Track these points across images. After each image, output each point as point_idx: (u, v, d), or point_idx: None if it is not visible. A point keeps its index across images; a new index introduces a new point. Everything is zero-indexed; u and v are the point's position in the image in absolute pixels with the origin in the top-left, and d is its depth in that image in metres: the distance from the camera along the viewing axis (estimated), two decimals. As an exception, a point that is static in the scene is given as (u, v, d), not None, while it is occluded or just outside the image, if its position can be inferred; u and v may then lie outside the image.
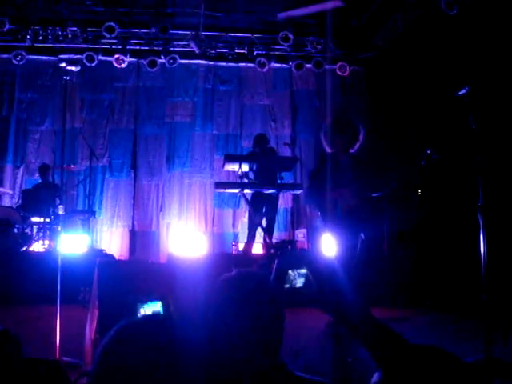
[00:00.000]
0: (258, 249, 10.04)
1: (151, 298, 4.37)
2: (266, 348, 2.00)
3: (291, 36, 11.95)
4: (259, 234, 9.78)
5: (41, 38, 11.82)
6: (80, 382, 4.76)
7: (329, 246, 8.51)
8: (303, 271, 2.13)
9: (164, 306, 4.36)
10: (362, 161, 6.32)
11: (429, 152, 6.02)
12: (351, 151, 6.21)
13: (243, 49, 12.26)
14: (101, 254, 9.25)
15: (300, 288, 2.49)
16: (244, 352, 1.98)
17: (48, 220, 9.45)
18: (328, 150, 6.10)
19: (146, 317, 1.69)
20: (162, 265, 8.10)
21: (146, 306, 4.36)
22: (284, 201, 11.67)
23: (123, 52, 11.94)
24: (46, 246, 9.24)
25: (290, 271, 2.32)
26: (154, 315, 1.70)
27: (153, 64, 12.05)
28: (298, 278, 2.48)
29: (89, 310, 5.60)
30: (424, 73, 9.74)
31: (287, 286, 2.32)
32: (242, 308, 2.01)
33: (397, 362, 1.60)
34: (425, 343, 1.66)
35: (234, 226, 11.95)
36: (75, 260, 7.79)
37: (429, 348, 1.62)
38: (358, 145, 6.18)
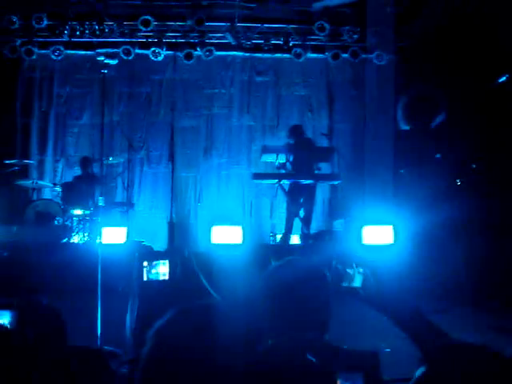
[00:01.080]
0: (295, 239, 10.02)
1: (159, 258, 4.36)
2: (313, 331, 2.02)
3: (327, 26, 11.88)
4: (297, 224, 9.76)
5: (78, 33, 11.94)
6: (121, 371, 4.82)
7: (369, 237, 8.48)
8: (361, 270, 2.13)
9: (171, 265, 4.35)
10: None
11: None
12: (432, 126, 5.78)
13: (279, 39, 12.21)
14: (139, 245, 9.32)
15: (357, 287, 2.49)
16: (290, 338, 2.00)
17: (88, 212, 9.57)
18: (404, 126, 5.68)
19: (197, 303, 1.70)
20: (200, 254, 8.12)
21: (155, 266, 4.35)
22: (322, 191, 11.62)
23: (159, 45, 12.00)
24: (86, 238, 9.36)
25: (348, 269, 2.31)
26: (205, 302, 1.71)
27: (189, 56, 12.07)
28: (356, 277, 2.47)
29: (129, 301, 5.66)
30: (462, 61, 9.61)
31: (345, 284, 2.31)
32: (291, 293, 2.02)
33: (442, 359, 1.59)
34: (474, 342, 1.65)
35: (271, 216, 11.94)
36: (114, 251, 7.85)
37: (474, 346, 1.61)
38: (439, 119, 5.78)
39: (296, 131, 9.89)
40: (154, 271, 4.35)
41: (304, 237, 9.65)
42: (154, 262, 4.34)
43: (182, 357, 1.53)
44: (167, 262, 4.33)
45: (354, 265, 2.13)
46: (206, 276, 4.45)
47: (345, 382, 1.89)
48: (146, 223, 11.88)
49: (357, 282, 2.25)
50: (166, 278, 4.30)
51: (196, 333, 1.56)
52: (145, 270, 4.35)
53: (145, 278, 4.38)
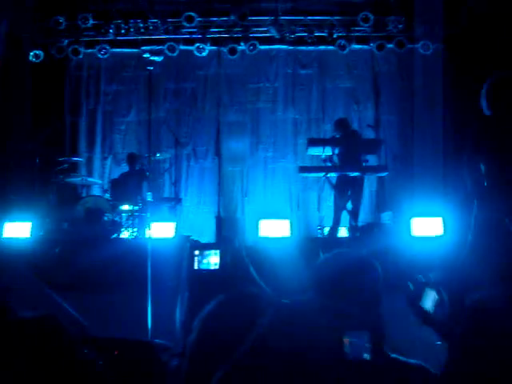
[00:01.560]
0: (343, 232, 9.95)
1: (210, 247, 4.37)
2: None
3: (371, 16, 11.74)
4: (344, 217, 9.69)
5: (123, 31, 12.10)
6: (171, 363, 4.86)
7: (418, 229, 8.38)
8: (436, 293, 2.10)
9: (222, 255, 4.35)
10: None
11: None
12: None
13: (323, 32, 12.10)
14: (188, 240, 9.37)
15: (428, 311, 2.46)
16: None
17: (136, 208, 9.67)
18: (488, 112, 5.32)
19: (242, 293, 1.70)
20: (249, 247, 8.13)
21: (207, 255, 4.36)
22: (369, 183, 11.52)
23: (203, 41, 12.06)
24: (135, 233, 9.45)
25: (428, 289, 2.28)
26: (250, 292, 1.71)
27: (233, 51, 12.09)
28: (428, 297, 2.43)
29: (178, 294, 5.70)
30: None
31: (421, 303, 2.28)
32: (341, 286, 2.01)
33: None
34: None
35: (318, 209, 11.87)
36: (163, 246, 7.91)
37: None
38: None
39: (342, 124, 9.81)
40: (205, 261, 4.37)
41: (352, 229, 9.58)
42: (206, 252, 4.36)
43: (225, 344, 1.54)
44: (218, 251, 4.34)
45: (431, 285, 2.10)
46: (255, 267, 4.44)
47: (352, 339, 1.85)
48: (194, 218, 11.98)
49: (427, 303, 2.22)
50: (217, 267, 4.32)
51: (240, 321, 1.57)
52: (196, 258, 4.37)
53: (195, 267, 4.40)
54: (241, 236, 10.91)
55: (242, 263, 4.36)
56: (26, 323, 2.02)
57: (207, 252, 4.34)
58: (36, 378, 1.83)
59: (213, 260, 4.35)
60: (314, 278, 2.11)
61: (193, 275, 4.44)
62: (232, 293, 1.72)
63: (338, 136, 9.68)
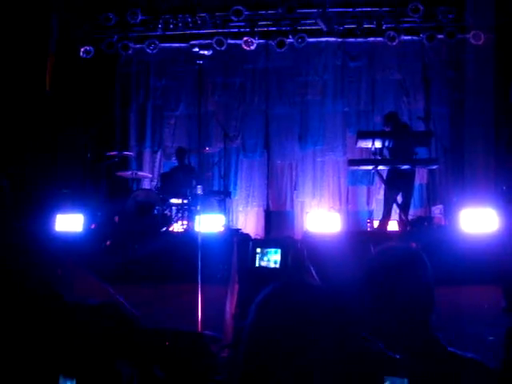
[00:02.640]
0: (393, 226, 9.85)
1: (272, 246, 4.36)
2: (415, 320, 1.97)
3: (421, 7, 11.54)
4: (394, 211, 9.59)
5: (172, 26, 12.20)
6: (222, 355, 4.88)
7: (470, 222, 8.26)
8: None
9: (283, 255, 4.34)
10: None
11: None
12: None
13: (372, 23, 11.95)
14: (237, 233, 9.42)
15: None
16: (394, 324, 1.96)
17: (186, 201, 9.74)
18: None
19: (298, 281, 1.70)
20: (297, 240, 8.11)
21: (267, 253, 4.36)
22: (419, 176, 11.37)
23: (251, 34, 12.05)
24: (185, 227, 9.52)
25: None
26: (306, 281, 1.71)
27: (281, 44, 12.04)
28: None
29: (228, 286, 5.72)
30: None
31: None
32: (395, 278, 1.99)
33: None
34: None
35: (368, 203, 11.79)
36: (213, 239, 7.95)
37: None
38: None
39: (392, 118, 9.70)
40: (265, 258, 4.39)
41: (402, 223, 9.49)
42: (267, 250, 4.38)
43: (281, 329, 1.54)
44: (279, 250, 4.35)
45: None
46: (314, 266, 4.43)
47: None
48: (243, 211, 12.02)
49: None
50: (277, 266, 4.32)
51: (295, 308, 1.57)
52: (257, 256, 4.39)
53: (256, 264, 4.42)
54: (289, 233, 10.89)
55: (302, 264, 4.36)
56: (91, 309, 2.06)
57: (268, 250, 4.35)
58: (99, 362, 1.86)
59: (274, 258, 4.36)
60: (365, 272, 2.10)
61: (253, 271, 4.44)
62: (290, 280, 1.71)
63: (387, 129, 9.58)
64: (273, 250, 4.36)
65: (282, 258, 4.33)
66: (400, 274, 2.01)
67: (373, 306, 2.00)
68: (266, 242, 4.43)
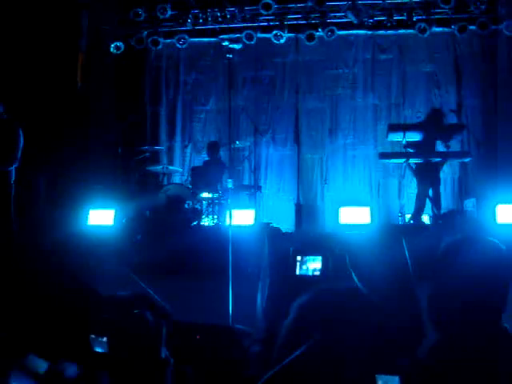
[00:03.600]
0: (425, 219, 9.77)
1: (312, 253, 4.35)
2: (487, 310, 1.95)
3: (452, -3, 11.40)
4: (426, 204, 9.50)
5: (201, 20, 12.21)
6: (253, 349, 4.88)
7: (503, 216, 8.14)
8: None
9: (324, 261, 4.32)
10: None
11: None
12: None
13: (402, 15, 11.81)
14: (267, 227, 9.41)
15: None
16: (465, 313, 1.93)
17: (216, 195, 9.76)
18: None
19: (340, 285, 1.70)
20: (327, 234, 8.08)
21: (307, 261, 4.35)
22: (451, 169, 11.27)
23: (281, 28, 12.00)
24: (215, 221, 9.55)
25: None
26: (348, 286, 1.71)
27: (311, 38, 11.97)
28: None
29: (259, 280, 5.71)
30: None
31: None
32: (469, 270, 1.95)
33: None
34: None
35: (399, 196, 11.71)
36: (243, 233, 7.95)
37: None
38: None
39: (434, 114, 9.61)
40: (304, 267, 4.39)
41: (434, 216, 9.40)
42: (307, 258, 4.38)
43: (320, 331, 1.55)
44: (320, 258, 4.34)
45: None
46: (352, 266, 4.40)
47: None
48: (274, 205, 12.03)
49: None
50: (318, 274, 4.32)
51: (335, 312, 1.58)
52: (298, 264, 4.40)
53: (297, 272, 4.42)
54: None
55: (343, 271, 4.33)
56: (122, 301, 2.08)
57: (308, 258, 4.35)
58: (132, 352, 1.87)
59: (314, 266, 4.36)
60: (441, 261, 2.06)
61: (294, 280, 4.44)
62: (332, 284, 1.71)
63: (424, 123, 9.50)
64: (313, 257, 4.35)
65: (322, 265, 4.32)
66: (485, 268, 1.97)
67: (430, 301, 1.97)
68: (306, 249, 4.41)
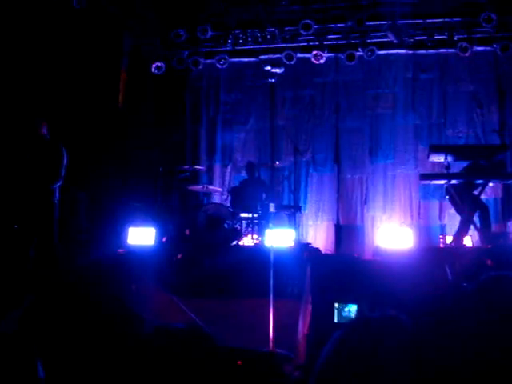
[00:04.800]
0: (467, 242, 9.61)
1: (348, 301, 4.37)
2: None
3: (494, 16, 11.21)
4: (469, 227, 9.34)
5: (241, 41, 12.30)
6: (294, 375, 4.84)
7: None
8: None
9: (358, 309, 4.32)
10: None
11: None
12: None
13: (443, 34, 11.72)
14: (307, 247, 9.37)
15: None
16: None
17: (256, 215, 9.76)
18: None
19: (379, 315, 1.68)
20: (371, 262, 8.03)
21: (345, 308, 4.37)
22: (493, 191, 11.10)
23: (321, 48, 12.01)
24: (255, 241, 9.54)
25: None
26: (387, 315, 1.69)
27: (351, 57, 11.96)
28: None
29: (301, 305, 5.67)
30: None
31: None
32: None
33: None
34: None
35: (440, 217, 11.55)
36: (283, 254, 7.93)
37: None
38: None
39: None
40: (343, 314, 4.42)
41: (480, 239, 9.22)
42: (344, 305, 4.41)
43: (359, 364, 1.53)
44: (356, 306, 4.37)
45: None
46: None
47: None
48: (313, 225, 11.97)
49: None
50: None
51: (375, 344, 1.55)
52: (336, 311, 4.42)
53: (335, 320, 4.43)
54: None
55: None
56: (177, 334, 2.07)
57: (346, 305, 4.38)
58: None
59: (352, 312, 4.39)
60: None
61: (332, 327, 4.45)
62: (369, 316, 1.68)
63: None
64: (351, 305, 4.37)
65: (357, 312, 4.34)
66: None
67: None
68: (344, 299, 4.43)
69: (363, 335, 1.60)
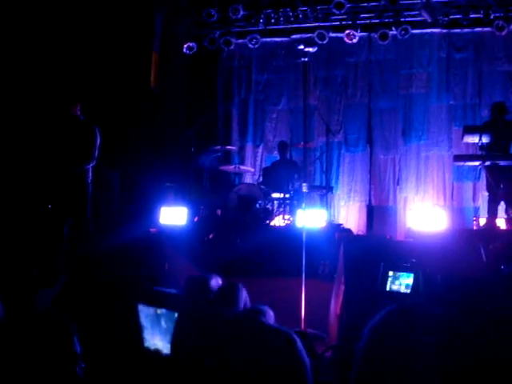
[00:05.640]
0: (501, 224, 9.49)
1: (405, 270, 4.33)
2: None
3: (532, -7, 11.05)
4: (502, 208, 9.23)
5: (273, 20, 12.25)
6: (326, 355, 4.85)
7: None
8: None
9: (415, 279, 4.29)
10: None
11: None
12: None
13: (478, 13, 11.48)
14: (339, 228, 9.36)
15: None
16: None
17: (287, 196, 9.76)
18: None
19: (411, 304, 1.66)
20: (404, 243, 7.99)
21: (399, 277, 4.33)
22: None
23: (354, 27, 11.86)
24: (287, 221, 9.54)
25: None
26: (418, 303, 1.68)
27: (384, 37, 11.79)
28: None
29: (333, 285, 5.68)
30: None
31: None
32: None
33: None
34: None
35: (474, 199, 11.41)
36: (314, 234, 7.91)
37: None
38: None
39: (498, 109, 9.27)
40: (397, 282, 4.38)
41: (509, 221, 9.11)
42: (399, 274, 4.37)
43: (395, 355, 1.52)
44: (412, 275, 4.33)
45: None
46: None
47: None
48: (345, 206, 11.93)
49: None
50: (408, 291, 4.31)
51: (409, 333, 1.54)
52: (389, 279, 4.39)
53: (387, 288, 4.41)
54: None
55: (433, 290, 4.30)
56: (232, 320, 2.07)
57: (400, 274, 4.34)
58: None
59: (405, 282, 4.35)
60: None
61: (384, 296, 4.43)
62: (405, 303, 1.67)
63: (492, 120, 9.19)
64: (404, 273, 4.34)
65: (414, 282, 4.30)
66: None
67: None
68: (399, 266, 4.39)
69: (398, 323, 1.59)
